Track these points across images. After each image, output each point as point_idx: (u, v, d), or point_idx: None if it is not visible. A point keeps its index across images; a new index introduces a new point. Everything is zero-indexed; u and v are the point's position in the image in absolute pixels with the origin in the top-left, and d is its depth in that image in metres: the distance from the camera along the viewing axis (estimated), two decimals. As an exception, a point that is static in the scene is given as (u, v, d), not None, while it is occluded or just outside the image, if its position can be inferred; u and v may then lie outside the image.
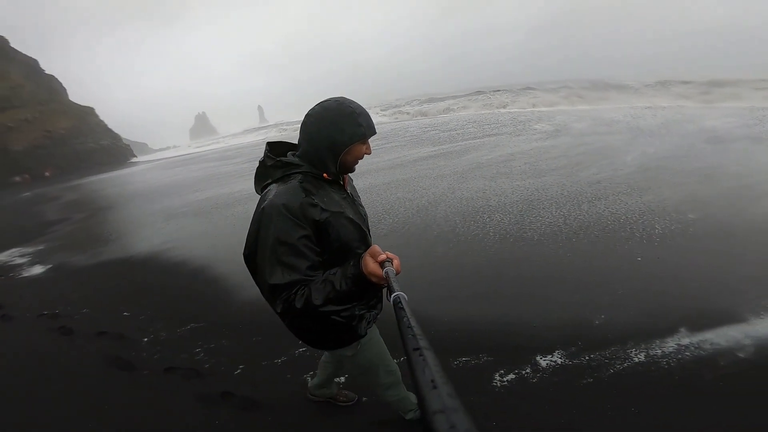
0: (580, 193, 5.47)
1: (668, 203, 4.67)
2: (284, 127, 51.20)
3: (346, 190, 1.30)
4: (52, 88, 56.45)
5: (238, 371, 2.53)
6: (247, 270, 1.23)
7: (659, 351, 2.25)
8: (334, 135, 1.15)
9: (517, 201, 5.46)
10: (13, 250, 7.61)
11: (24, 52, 57.72)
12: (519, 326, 2.66)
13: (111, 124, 59.53)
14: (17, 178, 40.27)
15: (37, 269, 6.03)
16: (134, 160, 51.76)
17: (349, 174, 1.32)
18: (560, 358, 2.29)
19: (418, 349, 0.46)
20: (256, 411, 2.08)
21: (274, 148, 1.28)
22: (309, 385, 2.02)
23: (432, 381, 0.38)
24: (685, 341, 2.30)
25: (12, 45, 56.44)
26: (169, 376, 2.56)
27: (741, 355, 2.15)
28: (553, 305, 2.87)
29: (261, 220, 1.13)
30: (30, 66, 55.48)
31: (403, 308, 0.61)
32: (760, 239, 3.57)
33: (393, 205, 6.19)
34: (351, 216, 1.24)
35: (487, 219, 4.92)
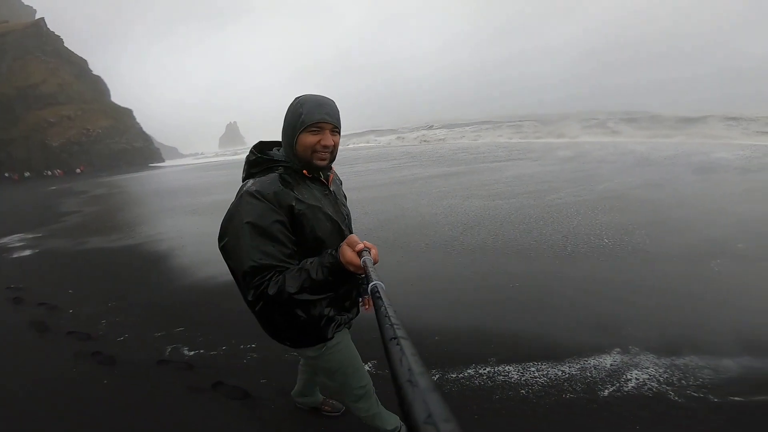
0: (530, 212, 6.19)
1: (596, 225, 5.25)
2: None
3: (329, 188, 1.34)
4: (97, 88, 61.88)
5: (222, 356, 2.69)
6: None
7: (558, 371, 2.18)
8: (286, 129, 1.23)
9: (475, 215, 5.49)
10: (16, 235, 8.29)
11: (76, 52, 63.40)
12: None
13: (147, 126, 63.92)
14: (48, 172, 43.99)
15: (26, 252, 6.54)
16: (154, 164, 54.83)
17: (338, 175, 1.41)
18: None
19: (395, 338, 0.47)
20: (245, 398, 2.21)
21: (264, 146, 1.34)
22: (292, 392, 2.04)
23: (409, 370, 0.39)
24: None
25: (66, 45, 62.33)
26: (72, 340, 2.72)
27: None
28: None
29: (235, 206, 1.16)
30: (80, 66, 61.29)
31: (380, 297, 0.62)
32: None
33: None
34: (329, 212, 1.27)
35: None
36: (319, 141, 1.20)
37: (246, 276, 1.09)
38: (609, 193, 7.31)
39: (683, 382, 2.13)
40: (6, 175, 42.30)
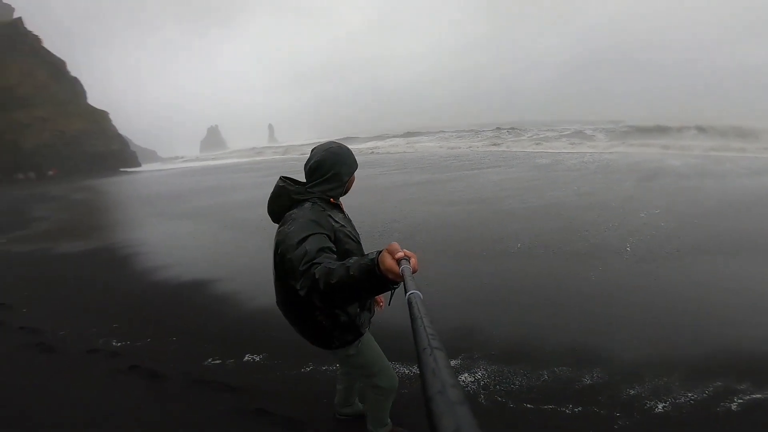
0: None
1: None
2: (294, 153, 53.06)
3: (345, 213, 1.72)
4: (73, 90, 61.85)
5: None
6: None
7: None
8: (345, 167, 1.64)
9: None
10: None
11: (55, 53, 63.33)
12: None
13: (125, 129, 63.84)
14: (20, 176, 44.01)
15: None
16: (127, 169, 54.87)
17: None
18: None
19: (430, 348, 0.48)
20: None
21: (285, 179, 1.66)
22: (335, 404, 2.27)
23: (441, 381, 0.40)
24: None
25: (45, 45, 62.30)
26: (22, 333, 3.32)
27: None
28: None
29: (293, 224, 1.44)
30: (57, 67, 61.31)
31: (417, 307, 0.65)
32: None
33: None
34: (350, 233, 1.63)
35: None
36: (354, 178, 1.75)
37: (304, 257, 1.27)
38: (554, 200, 8.60)
39: (497, 387, 2.58)
40: None
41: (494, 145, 30.61)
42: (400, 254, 1.02)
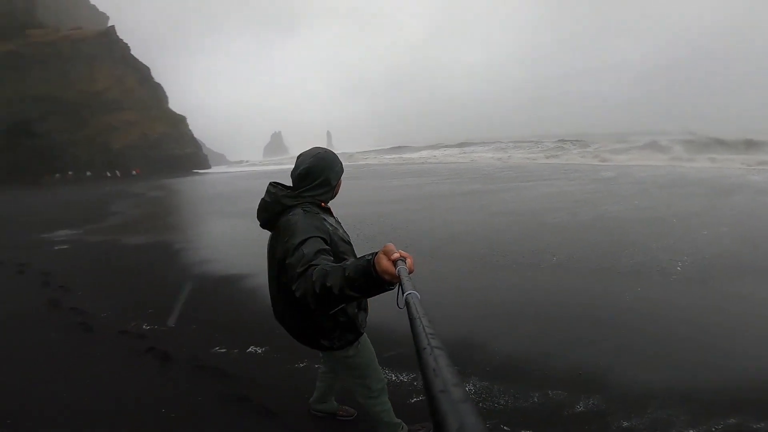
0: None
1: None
2: (351, 161, 53.73)
3: (335, 216, 1.76)
4: (156, 96, 68.31)
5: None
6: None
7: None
8: (334, 173, 1.70)
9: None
10: (62, 231, 10.03)
11: (140, 59, 70.12)
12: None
13: (198, 132, 69.32)
14: (109, 174, 49.65)
15: (64, 245, 8.09)
16: (199, 170, 59.40)
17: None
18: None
19: (430, 348, 0.49)
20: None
21: (276, 185, 1.70)
22: (310, 400, 2.35)
23: (443, 381, 0.41)
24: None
25: (132, 52, 69.28)
26: (72, 314, 3.78)
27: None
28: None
29: (291, 229, 1.48)
30: (143, 73, 67.90)
31: (416, 307, 0.65)
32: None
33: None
34: (342, 235, 1.67)
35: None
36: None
37: (303, 256, 1.31)
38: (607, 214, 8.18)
39: (479, 404, 2.49)
40: (70, 173, 48.02)
41: (553, 156, 29.49)
42: (395, 255, 1.04)
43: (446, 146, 59.50)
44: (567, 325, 3.50)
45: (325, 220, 1.59)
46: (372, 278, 1.06)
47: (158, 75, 71.89)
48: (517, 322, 3.62)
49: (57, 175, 47.11)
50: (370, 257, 1.09)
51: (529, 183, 14.71)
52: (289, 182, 1.73)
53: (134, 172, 51.28)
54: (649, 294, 4.12)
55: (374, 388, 1.85)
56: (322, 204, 1.68)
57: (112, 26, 71.00)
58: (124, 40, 68.16)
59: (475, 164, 27.54)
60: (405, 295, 0.75)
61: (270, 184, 1.70)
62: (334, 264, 1.23)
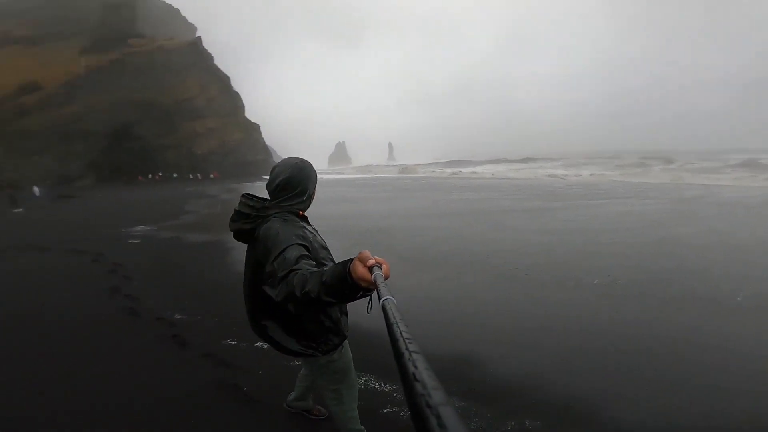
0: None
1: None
2: (410, 174, 53.94)
3: (311, 225, 1.79)
4: (235, 104, 73.72)
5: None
6: None
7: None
8: (311, 182, 1.74)
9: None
10: (141, 226, 11.28)
11: (222, 69, 75.31)
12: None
13: (269, 140, 73.88)
14: (191, 176, 54.74)
15: (137, 240, 9.09)
16: (265, 177, 63.11)
17: None
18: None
19: (408, 352, 0.50)
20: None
21: (251, 197, 1.72)
22: (288, 398, 2.46)
23: (423, 385, 0.41)
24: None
25: (215, 62, 74.92)
26: (126, 299, 4.27)
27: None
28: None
29: (272, 237, 1.49)
30: (224, 82, 73.44)
31: (393, 313, 0.66)
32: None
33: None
34: (321, 242, 1.72)
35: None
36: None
37: (285, 261, 1.34)
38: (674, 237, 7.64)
39: None
40: (154, 176, 53.50)
41: (631, 174, 27.25)
42: (371, 261, 1.05)
43: (510, 161, 57.87)
44: (576, 353, 3.34)
45: (304, 227, 1.62)
46: (348, 285, 1.08)
47: (235, 84, 76.88)
48: (520, 343, 3.53)
49: (149, 176, 52.65)
50: (347, 264, 1.10)
51: (597, 201, 14.00)
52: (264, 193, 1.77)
53: (212, 176, 55.96)
54: (690, 324, 3.83)
55: (347, 394, 1.86)
56: (300, 213, 1.71)
57: (199, 37, 76.83)
58: (208, 51, 73.69)
59: (539, 180, 26.49)
60: (382, 300, 0.75)
61: (244, 195, 1.73)
62: (314, 269, 1.27)
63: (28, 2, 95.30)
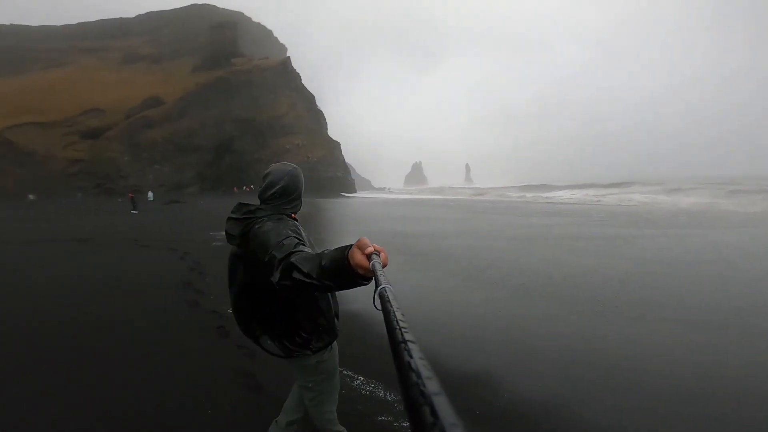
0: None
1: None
2: (488, 196, 52.47)
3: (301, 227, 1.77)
4: (319, 122, 78.10)
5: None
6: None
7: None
8: (302, 187, 1.83)
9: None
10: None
11: (308, 88, 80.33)
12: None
13: (349, 158, 77.12)
14: (279, 189, 58.93)
15: (220, 243, 10.51)
16: (346, 194, 65.28)
17: None
18: None
19: (404, 342, 0.49)
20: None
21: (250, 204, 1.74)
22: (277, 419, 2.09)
23: (417, 374, 0.41)
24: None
25: (302, 81, 79.98)
26: (194, 294, 5.12)
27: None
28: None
29: (268, 233, 1.51)
30: (310, 101, 78.72)
31: (389, 301, 0.66)
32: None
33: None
34: (312, 242, 1.74)
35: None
36: None
37: (281, 247, 1.37)
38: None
39: None
40: (244, 188, 58.42)
41: (744, 203, 22.89)
42: (369, 249, 1.05)
43: (598, 186, 53.83)
44: (603, 382, 3.21)
45: (298, 227, 1.65)
46: (345, 270, 1.10)
47: (319, 101, 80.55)
48: (543, 368, 3.47)
49: (244, 187, 57.47)
50: (346, 250, 1.12)
51: (689, 230, 12.67)
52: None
53: (295, 190, 60.12)
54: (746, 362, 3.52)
55: (329, 395, 1.88)
56: (293, 216, 1.79)
57: (288, 57, 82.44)
58: (296, 70, 79.16)
59: (634, 207, 24.55)
60: (378, 288, 0.76)
61: (238, 204, 1.77)
62: (313, 252, 1.31)
63: (151, 22, 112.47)
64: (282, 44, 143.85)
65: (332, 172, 69.12)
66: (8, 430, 2.55)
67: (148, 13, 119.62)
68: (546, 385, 3.16)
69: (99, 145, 55.49)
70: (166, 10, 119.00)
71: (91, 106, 61.12)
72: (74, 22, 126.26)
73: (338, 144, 74.99)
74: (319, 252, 1.25)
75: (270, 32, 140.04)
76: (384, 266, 0.97)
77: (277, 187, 1.73)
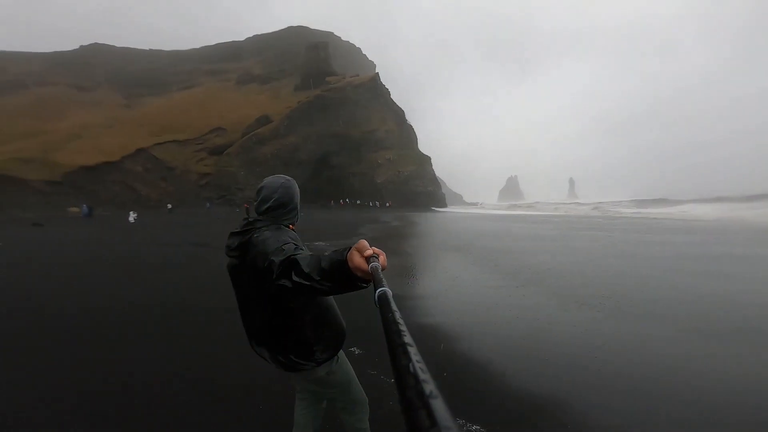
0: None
1: None
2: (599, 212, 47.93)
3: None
4: (409, 136, 78.85)
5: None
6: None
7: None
8: (298, 198, 1.90)
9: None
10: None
11: (397, 103, 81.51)
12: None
13: (440, 172, 76.70)
14: (370, 203, 60.83)
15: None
16: (436, 208, 64.81)
17: None
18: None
19: (402, 345, 0.50)
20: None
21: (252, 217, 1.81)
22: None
23: (414, 377, 0.41)
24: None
25: (392, 96, 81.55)
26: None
27: None
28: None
29: (267, 240, 1.56)
30: (399, 115, 79.90)
31: (388, 304, 0.67)
32: None
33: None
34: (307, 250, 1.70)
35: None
36: None
37: (281, 252, 1.41)
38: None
39: None
40: (341, 201, 60.73)
41: None
42: (368, 252, 1.07)
43: (733, 199, 46.70)
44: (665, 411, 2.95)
45: (296, 237, 1.71)
46: (344, 273, 1.11)
47: (408, 116, 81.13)
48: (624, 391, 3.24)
49: (341, 201, 60.49)
50: (345, 252, 1.13)
51: None
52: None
53: (387, 204, 61.55)
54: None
55: (359, 398, 1.93)
56: (291, 227, 1.83)
57: (377, 73, 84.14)
58: (385, 86, 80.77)
59: (749, 222, 21.46)
60: (377, 291, 0.76)
61: (244, 219, 1.82)
62: (313, 254, 1.33)
63: (259, 43, 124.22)
64: (371, 61, 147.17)
65: (423, 187, 69.37)
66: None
67: (255, 36, 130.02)
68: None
69: (222, 160, 61.49)
70: (268, 33, 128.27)
71: (216, 125, 68.26)
72: (197, 45, 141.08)
73: (429, 158, 75.21)
74: (318, 254, 1.27)
75: (359, 50, 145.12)
76: (383, 269, 0.99)
77: (272, 201, 1.77)
